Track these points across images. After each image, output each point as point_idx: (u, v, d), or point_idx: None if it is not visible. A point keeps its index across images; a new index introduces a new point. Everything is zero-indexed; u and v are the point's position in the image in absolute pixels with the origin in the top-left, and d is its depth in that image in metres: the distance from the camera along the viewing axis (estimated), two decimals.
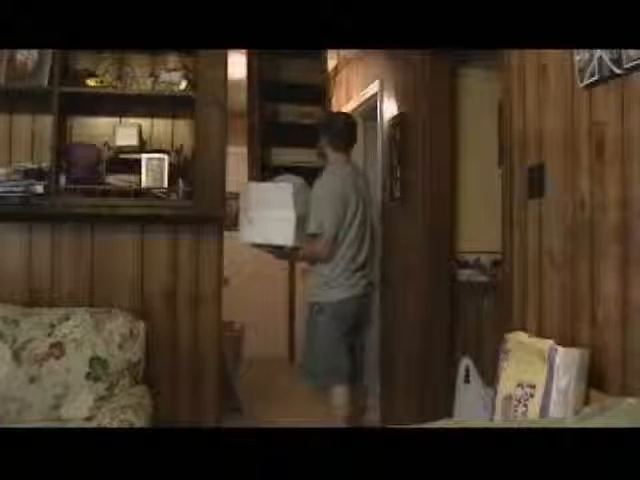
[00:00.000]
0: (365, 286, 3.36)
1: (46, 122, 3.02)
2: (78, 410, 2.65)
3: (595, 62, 1.97)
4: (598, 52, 1.95)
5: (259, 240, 3.36)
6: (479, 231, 3.56)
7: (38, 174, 2.94)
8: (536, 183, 2.40)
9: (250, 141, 4.55)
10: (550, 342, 2.02)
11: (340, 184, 3.29)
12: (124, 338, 2.79)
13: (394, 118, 4.11)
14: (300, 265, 5.47)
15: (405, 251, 3.95)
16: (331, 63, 5.14)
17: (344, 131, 3.48)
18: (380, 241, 4.28)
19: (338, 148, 3.44)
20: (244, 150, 4.54)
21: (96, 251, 3.14)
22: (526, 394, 2.00)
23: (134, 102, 3.18)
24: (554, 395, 1.91)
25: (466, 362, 3.03)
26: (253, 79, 4.59)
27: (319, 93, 4.74)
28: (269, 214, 3.26)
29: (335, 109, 5.17)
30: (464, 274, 3.61)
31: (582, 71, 2.05)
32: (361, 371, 3.49)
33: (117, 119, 3.22)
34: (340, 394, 3.26)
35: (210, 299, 3.21)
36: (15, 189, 2.88)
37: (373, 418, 4.23)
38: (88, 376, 2.69)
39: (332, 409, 3.29)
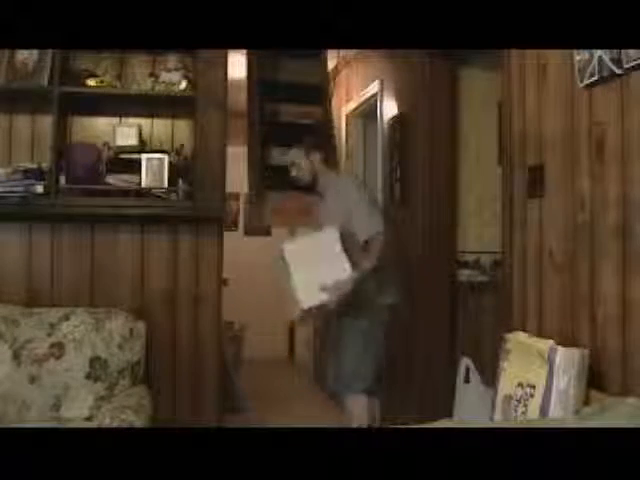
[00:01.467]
0: (404, 292, 3.17)
1: (46, 122, 3.02)
2: (78, 410, 2.65)
3: (595, 62, 1.97)
4: (598, 52, 1.95)
5: (323, 297, 2.94)
6: (479, 231, 3.56)
7: (38, 174, 2.94)
8: (536, 183, 2.40)
9: (250, 141, 4.54)
10: (550, 342, 2.02)
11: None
12: (124, 338, 2.79)
13: (394, 118, 4.11)
14: None
15: (405, 251, 3.95)
16: (331, 63, 5.13)
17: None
18: None
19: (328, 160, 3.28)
20: (244, 150, 4.54)
21: (96, 251, 3.14)
22: (526, 394, 2.00)
23: (134, 102, 3.18)
24: (554, 395, 1.91)
25: (466, 362, 3.03)
26: (253, 79, 4.58)
27: (319, 93, 4.73)
28: (323, 268, 2.93)
29: (335, 109, 5.16)
30: (464, 274, 3.61)
31: (582, 71, 2.05)
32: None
33: (117, 119, 3.22)
34: (367, 405, 3.05)
35: (210, 299, 3.21)
36: (15, 189, 2.88)
37: None
38: (88, 376, 2.69)
39: (356, 419, 3.05)
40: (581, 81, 2.07)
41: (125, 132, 3.17)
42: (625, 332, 1.89)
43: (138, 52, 3.18)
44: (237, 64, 4.21)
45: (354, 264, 2.91)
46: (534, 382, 1.98)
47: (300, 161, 3.18)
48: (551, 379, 1.93)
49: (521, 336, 2.24)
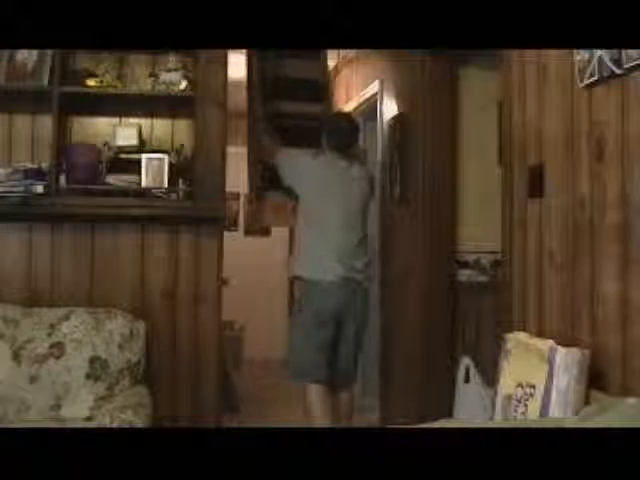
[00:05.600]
0: (344, 274, 3.27)
1: (46, 122, 3.02)
2: (78, 410, 2.65)
3: (595, 62, 1.97)
4: (598, 52, 1.95)
5: None
6: (479, 231, 3.56)
7: (38, 174, 2.94)
8: (536, 183, 2.40)
9: (250, 141, 4.54)
10: (550, 342, 2.02)
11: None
12: (124, 338, 2.79)
13: (394, 118, 4.11)
14: None
15: (405, 251, 3.95)
16: (331, 63, 5.14)
17: (343, 134, 3.49)
18: (378, 239, 4.28)
19: (335, 149, 3.45)
20: (244, 150, 4.54)
21: (96, 251, 3.14)
22: (526, 394, 2.00)
23: (134, 102, 3.18)
24: (554, 395, 1.91)
25: (466, 362, 3.03)
26: (253, 79, 4.58)
27: (320, 93, 4.73)
28: None
29: (335, 109, 5.17)
30: (464, 274, 3.61)
31: (582, 71, 2.05)
32: (351, 373, 3.45)
33: (117, 119, 3.23)
34: (313, 395, 3.22)
35: (210, 299, 3.21)
36: (15, 189, 2.88)
37: (373, 418, 4.23)
38: (88, 376, 2.69)
39: (305, 411, 3.24)
40: (581, 81, 2.07)
41: (125, 132, 3.17)
42: (625, 332, 1.89)
43: (138, 52, 3.18)
44: (237, 64, 4.21)
45: None
46: (534, 382, 1.98)
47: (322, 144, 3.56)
48: (551, 379, 1.93)
49: (521, 336, 2.24)
